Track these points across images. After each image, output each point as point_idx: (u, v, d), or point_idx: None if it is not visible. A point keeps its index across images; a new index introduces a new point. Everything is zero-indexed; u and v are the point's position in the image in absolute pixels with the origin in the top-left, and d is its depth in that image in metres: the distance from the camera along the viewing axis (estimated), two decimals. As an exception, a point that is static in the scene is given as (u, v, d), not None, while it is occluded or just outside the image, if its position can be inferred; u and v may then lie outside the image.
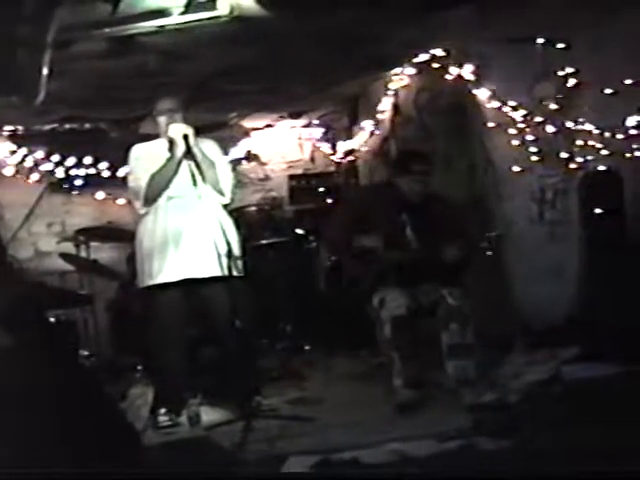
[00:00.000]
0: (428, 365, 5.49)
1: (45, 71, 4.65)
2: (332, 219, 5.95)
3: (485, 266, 5.92)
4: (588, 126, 6.28)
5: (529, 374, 5.17)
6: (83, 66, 5.69)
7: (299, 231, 8.26)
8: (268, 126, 9.25)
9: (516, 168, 6.43)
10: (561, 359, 5.35)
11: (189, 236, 5.32)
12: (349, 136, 9.05)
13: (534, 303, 6.20)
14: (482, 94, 6.52)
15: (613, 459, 3.42)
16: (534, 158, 6.44)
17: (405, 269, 5.36)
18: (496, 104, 6.46)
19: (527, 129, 6.43)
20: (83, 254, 7.39)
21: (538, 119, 6.40)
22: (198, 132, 5.41)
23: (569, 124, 6.36)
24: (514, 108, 6.42)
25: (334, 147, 9.38)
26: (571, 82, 6.39)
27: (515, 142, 6.45)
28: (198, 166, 5.34)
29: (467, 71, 6.55)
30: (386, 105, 7.87)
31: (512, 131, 6.44)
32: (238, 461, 4.33)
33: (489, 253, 5.32)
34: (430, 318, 5.37)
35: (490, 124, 6.50)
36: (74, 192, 8.57)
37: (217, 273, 5.18)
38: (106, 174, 8.26)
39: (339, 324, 7.10)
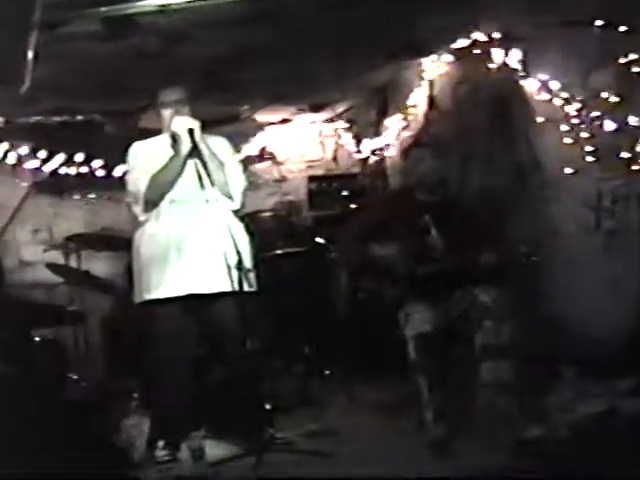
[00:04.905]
0: (462, 393, 5.47)
1: (30, 55, 4.69)
2: (351, 226, 5.96)
3: (529, 281, 5.91)
4: (653, 122, 6.26)
5: (580, 407, 5.15)
6: (74, 50, 5.71)
7: (319, 240, 8.26)
8: (285, 120, 9.28)
9: (568, 170, 6.42)
10: (618, 391, 5.33)
11: (194, 245, 5.34)
12: (376, 133, 9.05)
13: (586, 325, 6.17)
14: (530, 85, 6.52)
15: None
16: (589, 158, 6.41)
17: (431, 279, 5.37)
18: (546, 96, 6.45)
19: (582, 125, 6.41)
20: (73, 264, 7.42)
21: (595, 113, 6.38)
22: (205, 126, 5.44)
23: (631, 119, 6.32)
24: (567, 101, 6.40)
25: (359, 145, 9.39)
26: (634, 70, 6.37)
27: (567, 140, 6.43)
28: (205, 166, 5.37)
29: (513, 58, 6.55)
30: (420, 98, 7.87)
31: (564, 127, 6.43)
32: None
33: (529, 263, 5.31)
34: (462, 333, 5.36)
35: (539, 119, 6.50)
36: (63, 193, 8.63)
37: (226, 288, 5.20)
38: (100, 173, 8.29)
39: (363, 346, 7.11)
